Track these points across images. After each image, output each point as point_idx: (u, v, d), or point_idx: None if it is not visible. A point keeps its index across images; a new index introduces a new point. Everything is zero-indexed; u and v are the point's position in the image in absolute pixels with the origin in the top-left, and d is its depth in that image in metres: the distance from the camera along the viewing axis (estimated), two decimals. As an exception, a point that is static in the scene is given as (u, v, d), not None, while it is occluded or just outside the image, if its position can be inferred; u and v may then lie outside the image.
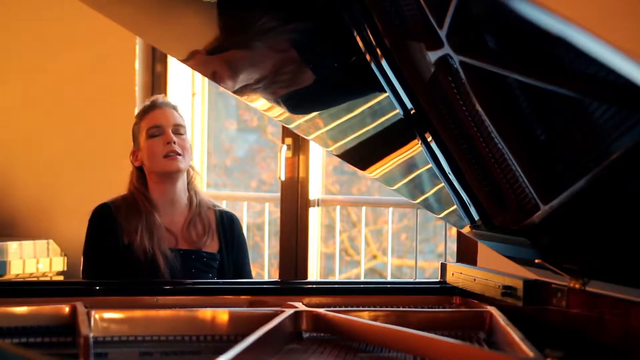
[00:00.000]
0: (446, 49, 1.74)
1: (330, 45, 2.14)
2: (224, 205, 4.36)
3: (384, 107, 2.12)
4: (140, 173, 2.76)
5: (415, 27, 1.84)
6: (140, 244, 2.63)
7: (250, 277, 2.86)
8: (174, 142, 2.69)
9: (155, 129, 2.71)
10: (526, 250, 1.96)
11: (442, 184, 2.12)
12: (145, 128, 2.73)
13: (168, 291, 2.23)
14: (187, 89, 4.58)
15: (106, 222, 2.68)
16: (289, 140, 4.00)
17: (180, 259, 2.67)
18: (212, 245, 2.75)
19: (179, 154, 2.69)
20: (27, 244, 4.22)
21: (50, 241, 4.29)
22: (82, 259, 2.70)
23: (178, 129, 2.73)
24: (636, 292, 1.68)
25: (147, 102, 2.81)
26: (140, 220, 2.67)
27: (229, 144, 7.64)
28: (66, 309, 1.97)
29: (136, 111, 4.34)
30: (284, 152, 3.99)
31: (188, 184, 2.78)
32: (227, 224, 2.81)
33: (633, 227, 1.63)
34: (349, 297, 2.24)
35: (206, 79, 4.46)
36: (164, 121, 2.72)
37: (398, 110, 2.05)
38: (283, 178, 4.02)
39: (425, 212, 3.50)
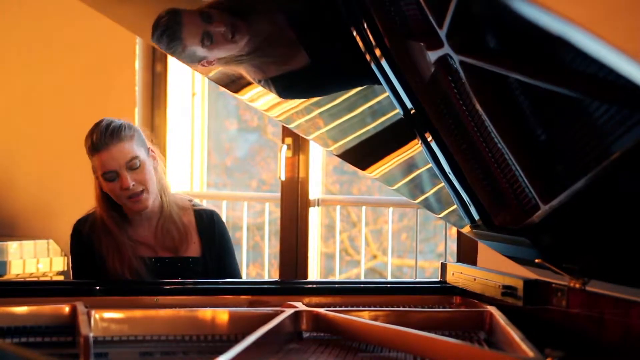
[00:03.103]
0: (446, 49, 1.74)
1: (329, 40, 2.14)
2: (223, 206, 4.42)
3: (384, 107, 2.12)
4: (104, 194, 2.61)
5: (415, 26, 1.84)
6: (112, 268, 2.55)
7: (239, 277, 2.75)
8: (132, 185, 2.53)
9: (109, 174, 2.54)
10: (526, 250, 1.96)
11: (442, 184, 2.12)
12: (99, 172, 2.56)
13: (168, 291, 2.24)
14: (187, 89, 4.58)
15: (82, 246, 2.62)
16: (289, 140, 4.00)
17: (166, 267, 2.59)
18: (193, 249, 2.65)
19: (141, 192, 2.55)
20: (27, 244, 4.22)
21: (50, 241, 4.29)
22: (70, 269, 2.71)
23: (132, 164, 2.54)
24: (636, 292, 1.68)
25: (93, 134, 2.57)
26: (110, 243, 2.58)
27: (229, 144, 7.64)
28: (66, 308, 1.97)
29: (136, 112, 4.43)
30: (284, 152, 3.99)
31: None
32: (208, 223, 2.69)
33: (633, 227, 1.63)
34: (349, 297, 2.24)
35: (206, 79, 4.46)
36: (114, 165, 2.52)
37: (398, 110, 2.05)
38: (283, 178, 4.02)
39: (426, 212, 3.50)
